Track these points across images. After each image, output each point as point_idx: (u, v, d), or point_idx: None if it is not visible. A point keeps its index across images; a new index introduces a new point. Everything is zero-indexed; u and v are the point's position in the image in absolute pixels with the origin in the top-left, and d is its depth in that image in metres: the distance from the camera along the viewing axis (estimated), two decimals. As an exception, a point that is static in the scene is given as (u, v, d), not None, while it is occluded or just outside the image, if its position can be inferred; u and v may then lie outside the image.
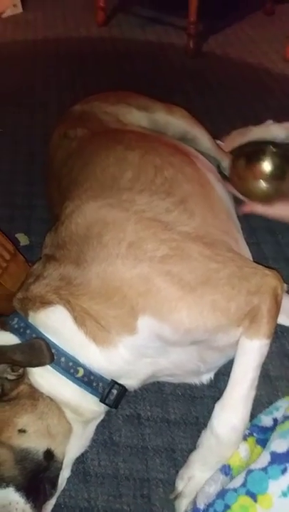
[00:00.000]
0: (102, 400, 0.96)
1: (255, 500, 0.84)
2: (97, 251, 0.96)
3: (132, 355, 0.95)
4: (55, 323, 0.94)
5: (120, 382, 0.98)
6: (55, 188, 1.33)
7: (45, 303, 0.96)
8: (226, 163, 1.66)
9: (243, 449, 0.97)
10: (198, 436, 1.02)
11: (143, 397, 1.16)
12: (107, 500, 1.01)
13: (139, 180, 1.09)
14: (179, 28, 2.77)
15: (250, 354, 0.97)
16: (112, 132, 1.33)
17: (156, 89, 2.25)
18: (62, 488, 0.99)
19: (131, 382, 1.00)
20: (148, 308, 0.91)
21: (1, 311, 1.20)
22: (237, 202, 1.46)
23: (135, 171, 1.11)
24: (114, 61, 2.63)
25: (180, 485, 1.00)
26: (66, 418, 0.94)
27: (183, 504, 0.98)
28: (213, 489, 0.93)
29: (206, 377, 1.12)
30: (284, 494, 0.82)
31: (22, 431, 0.90)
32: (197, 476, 0.98)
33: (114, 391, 0.97)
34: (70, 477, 1.01)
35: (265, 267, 1.03)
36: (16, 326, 0.97)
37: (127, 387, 1.00)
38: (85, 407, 0.96)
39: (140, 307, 0.91)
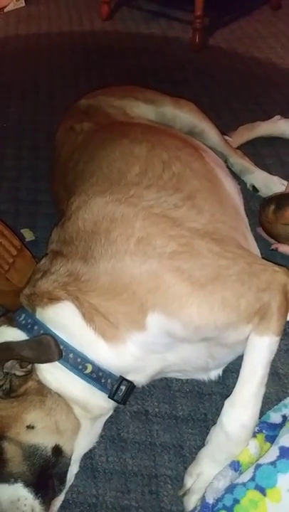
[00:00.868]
0: (111, 396, 0.96)
1: (264, 495, 0.84)
2: (105, 247, 0.95)
3: (140, 351, 0.94)
4: (64, 319, 0.94)
5: (128, 378, 0.97)
6: (61, 183, 1.32)
7: (53, 299, 0.95)
8: (233, 158, 1.65)
9: (253, 446, 0.96)
10: (207, 433, 1.02)
11: (151, 393, 1.16)
12: (115, 496, 1.01)
13: (147, 175, 1.08)
14: (185, 22, 2.74)
15: (260, 351, 0.96)
16: (118, 125, 1.32)
17: (161, 83, 2.24)
18: (70, 484, 0.99)
19: (139, 378, 1.00)
20: (157, 304, 0.91)
21: (8, 307, 1.19)
22: (245, 197, 1.44)
23: (142, 166, 1.10)
24: (119, 55, 2.60)
25: (189, 481, 1.00)
26: (74, 414, 0.94)
27: (192, 501, 0.97)
28: (222, 484, 0.92)
29: (215, 374, 1.12)
30: None
31: (30, 427, 0.90)
32: (206, 473, 0.98)
33: (123, 387, 0.96)
34: (78, 473, 1.01)
35: (275, 264, 1.03)
36: (24, 322, 0.97)
37: (135, 383, 0.99)
38: (94, 404, 0.96)
39: (150, 304, 0.91)
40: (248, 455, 0.96)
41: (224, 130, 1.79)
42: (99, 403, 0.96)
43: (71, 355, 0.92)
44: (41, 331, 0.94)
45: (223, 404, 0.97)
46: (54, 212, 1.47)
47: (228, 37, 2.70)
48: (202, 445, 1.02)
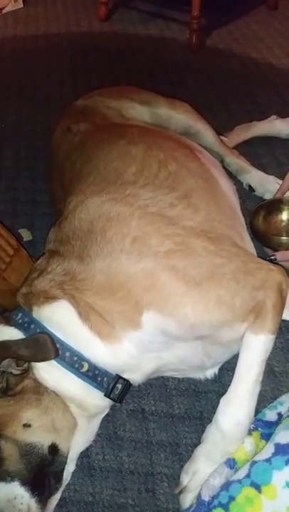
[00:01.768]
0: (107, 395, 0.96)
1: (260, 491, 0.84)
2: (101, 246, 0.96)
3: (136, 350, 0.95)
4: (60, 318, 0.94)
5: (125, 376, 0.98)
6: (58, 184, 1.33)
7: (49, 298, 0.96)
8: (229, 158, 1.66)
9: (249, 443, 0.97)
10: (203, 431, 1.02)
11: (147, 391, 1.16)
12: (111, 494, 1.01)
13: (143, 174, 1.09)
14: (182, 22, 2.75)
15: (255, 349, 0.97)
16: (114, 127, 1.33)
17: (158, 84, 2.25)
18: (67, 482, 0.99)
19: (135, 377, 1.00)
20: (153, 303, 0.91)
21: (5, 306, 1.20)
22: (239, 197, 1.45)
23: (139, 166, 1.11)
24: (116, 56, 2.61)
25: (185, 479, 1.00)
26: (71, 413, 0.95)
27: (188, 498, 0.98)
28: (217, 482, 0.93)
29: (211, 372, 1.12)
30: (288, 485, 0.82)
31: (27, 425, 0.90)
32: (202, 471, 0.98)
33: (119, 385, 0.97)
34: (74, 471, 1.01)
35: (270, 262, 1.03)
36: (20, 321, 0.97)
37: (131, 381, 1.00)
38: (90, 402, 0.96)
39: (145, 302, 0.91)
40: (244, 452, 0.96)
41: (221, 130, 1.80)
42: (95, 401, 0.97)
43: (67, 354, 0.93)
44: (38, 330, 0.95)
45: (219, 402, 0.97)
46: (52, 212, 1.48)
47: (225, 37, 2.71)
48: (198, 443, 1.02)
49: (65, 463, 0.94)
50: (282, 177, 1.65)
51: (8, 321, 0.99)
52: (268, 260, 1.12)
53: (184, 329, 0.92)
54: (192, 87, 2.27)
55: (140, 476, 1.03)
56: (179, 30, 2.77)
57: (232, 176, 1.66)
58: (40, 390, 0.93)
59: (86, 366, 0.93)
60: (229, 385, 0.97)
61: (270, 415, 1.04)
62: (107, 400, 0.98)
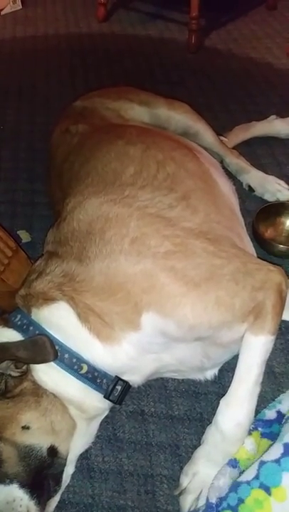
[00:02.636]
0: (106, 397, 0.96)
1: (269, 494, 0.83)
2: (99, 247, 0.96)
3: (136, 351, 0.94)
4: (59, 319, 0.94)
5: (124, 378, 0.98)
6: (57, 185, 1.33)
7: (48, 299, 0.95)
8: (229, 158, 1.66)
9: (249, 443, 0.96)
10: (203, 432, 1.02)
11: (147, 393, 1.16)
12: (111, 496, 1.01)
13: (142, 175, 1.09)
14: (181, 23, 2.75)
15: (255, 350, 0.97)
16: (113, 127, 1.32)
17: (158, 85, 2.25)
18: (66, 484, 0.99)
19: (135, 378, 1.00)
20: (152, 304, 0.91)
21: (4, 307, 1.20)
22: (239, 197, 1.45)
23: (137, 167, 1.11)
24: (115, 57, 2.61)
25: (185, 481, 1.00)
26: (70, 415, 0.94)
27: (188, 500, 0.97)
28: (222, 482, 0.92)
29: (210, 373, 1.12)
30: None
31: (26, 428, 0.90)
32: (202, 472, 0.98)
33: (119, 387, 0.97)
34: (74, 473, 1.01)
35: (270, 263, 1.03)
36: (19, 323, 0.97)
37: (130, 383, 1.00)
38: (89, 404, 0.96)
39: (144, 303, 0.91)
40: (245, 452, 0.96)
41: (220, 131, 1.79)
42: (94, 403, 0.96)
43: (66, 356, 0.93)
44: (37, 332, 0.94)
45: (219, 403, 0.97)
46: (50, 214, 1.47)
47: (224, 38, 2.71)
48: (198, 444, 1.02)
49: (64, 465, 0.93)
50: (281, 177, 1.66)
51: (7, 323, 0.98)
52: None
53: (183, 330, 0.92)
54: (191, 88, 2.27)
55: (140, 477, 1.03)
56: (178, 31, 2.77)
57: (232, 176, 1.66)
58: (39, 392, 0.92)
59: (85, 368, 0.93)
60: (229, 386, 0.97)
61: (270, 414, 1.04)
62: (107, 401, 0.97)
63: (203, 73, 2.39)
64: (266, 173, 1.67)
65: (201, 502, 0.96)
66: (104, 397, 0.96)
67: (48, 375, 0.93)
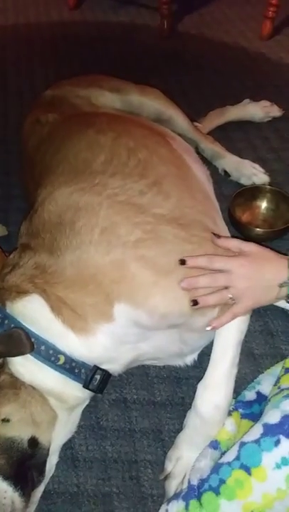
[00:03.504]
0: (86, 386, 0.96)
1: (250, 474, 0.84)
2: (70, 238, 0.95)
3: (111, 342, 0.94)
4: (32, 312, 0.93)
5: (103, 367, 0.98)
6: (30, 176, 1.31)
7: (20, 292, 0.94)
8: (203, 144, 1.65)
9: (229, 423, 0.98)
10: (185, 417, 1.03)
11: (129, 381, 1.16)
12: (96, 484, 1.02)
13: (112, 163, 1.08)
14: (153, 8, 2.71)
15: (229, 332, 0.98)
16: (83, 116, 1.31)
17: (131, 71, 2.22)
18: (51, 474, 0.99)
19: (114, 367, 1.00)
20: (123, 295, 0.90)
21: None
22: (215, 182, 1.45)
23: (108, 155, 1.09)
24: (88, 45, 2.57)
25: (169, 466, 1.01)
26: (50, 405, 0.94)
27: (172, 485, 0.99)
28: (203, 464, 0.93)
29: (190, 359, 1.13)
30: (278, 466, 0.82)
31: (6, 420, 0.90)
32: (185, 456, 0.99)
33: (98, 376, 0.97)
34: (58, 463, 1.01)
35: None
36: (-6, 317, 0.96)
37: (110, 371, 1.00)
38: (69, 394, 0.96)
39: (115, 294, 0.91)
40: (226, 432, 0.97)
41: (195, 116, 1.79)
42: (74, 393, 0.96)
43: (43, 348, 0.92)
44: (12, 325, 0.93)
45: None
46: (27, 207, 1.45)
47: (197, 22, 2.68)
48: (180, 428, 1.03)
49: (46, 455, 0.93)
50: (256, 160, 1.67)
51: (-18, 318, 0.97)
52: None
53: (155, 319, 0.92)
54: (165, 74, 2.25)
55: (124, 464, 1.04)
56: (150, 17, 2.73)
57: (207, 161, 1.65)
58: (17, 384, 0.92)
59: (62, 359, 0.93)
60: (208, 370, 0.98)
61: (249, 395, 1.05)
62: (86, 391, 0.97)
63: (176, 58, 2.37)
64: (241, 157, 1.67)
65: (186, 485, 0.97)
66: (84, 386, 0.96)
67: (26, 367, 0.92)
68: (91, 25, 2.77)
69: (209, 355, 1.10)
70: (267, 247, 1.03)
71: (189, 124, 1.58)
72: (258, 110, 1.86)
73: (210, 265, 0.94)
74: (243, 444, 0.88)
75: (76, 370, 0.94)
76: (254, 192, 1.51)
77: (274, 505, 0.81)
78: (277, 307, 1.26)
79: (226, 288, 0.94)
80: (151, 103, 1.48)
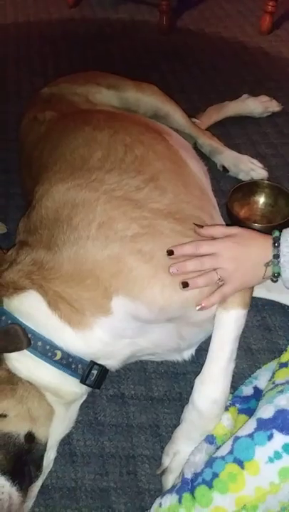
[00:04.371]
0: (83, 381, 0.96)
1: (243, 467, 0.84)
2: (67, 234, 0.95)
3: (109, 336, 0.95)
4: (29, 308, 0.94)
5: (100, 362, 0.98)
6: (28, 174, 1.31)
7: (17, 288, 0.95)
8: (202, 140, 1.65)
9: (226, 418, 0.98)
10: (182, 411, 1.03)
11: (126, 376, 1.17)
12: (93, 479, 1.02)
13: (109, 159, 1.08)
14: (152, 4, 2.71)
15: (228, 326, 0.98)
16: (80, 113, 1.31)
17: (131, 68, 2.22)
18: (49, 469, 1.00)
19: (111, 363, 1.01)
20: (121, 288, 0.91)
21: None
22: (213, 178, 1.45)
23: (104, 151, 1.10)
24: (87, 42, 2.57)
25: (166, 461, 1.01)
26: (47, 401, 0.95)
27: (169, 479, 0.99)
28: (198, 458, 0.94)
29: (188, 354, 1.13)
30: (270, 460, 0.83)
31: (3, 416, 0.90)
32: (182, 451, 0.99)
33: (95, 371, 0.97)
34: (56, 458, 1.02)
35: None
36: (-9, 314, 0.96)
37: (107, 367, 1.00)
38: (66, 389, 0.96)
39: (113, 288, 0.91)
40: (222, 427, 0.97)
41: (194, 112, 1.78)
42: (71, 388, 0.97)
43: (39, 343, 0.93)
44: (9, 321, 0.94)
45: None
46: (26, 205, 1.46)
47: (196, 18, 2.68)
48: (178, 423, 1.03)
49: (43, 450, 0.94)
50: (255, 156, 1.66)
51: (-20, 314, 0.98)
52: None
53: (154, 312, 0.92)
54: (164, 70, 2.25)
55: (121, 459, 1.04)
56: (149, 13, 2.73)
57: (206, 157, 1.65)
58: (14, 380, 0.92)
59: (59, 354, 0.93)
60: (206, 365, 0.98)
61: (247, 390, 1.05)
62: (84, 386, 0.98)
63: (176, 55, 2.37)
64: (240, 152, 1.66)
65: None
66: (81, 381, 0.96)
67: (22, 363, 0.93)
68: (90, 22, 2.77)
69: (207, 351, 1.10)
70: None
71: (187, 119, 1.58)
72: (257, 105, 1.85)
73: (197, 251, 0.94)
74: (236, 439, 0.88)
75: (73, 366, 0.95)
76: (252, 187, 1.51)
77: (267, 499, 0.81)
78: (275, 302, 1.26)
79: (215, 270, 0.94)
80: (147, 99, 1.48)
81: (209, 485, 0.86)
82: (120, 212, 0.96)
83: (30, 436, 0.91)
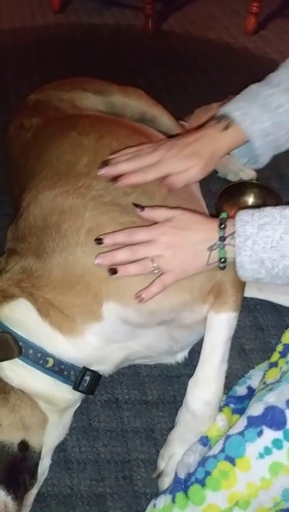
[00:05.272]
0: (75, 388, 0.96)
1: (234, 464, 0.85)
2: (56, 241, 0.95)
3: (100, 341, 0.95)
4: (20, 316, 0.94)
5: (92, 368, 0.98)
6: (15, 181, 1.31)
7: (7, 297, 0.95)
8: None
9: (220, 419, 0.98)
10: (176, 415, 1.03)
11: (120, 381, 1.17)
12: (89, 485, 1.02)
13: (96, 164, 1.08)
14: (137, 8, 2.72)
15: (219, 329, 0.98)
16: (65, 119, 1.31)
17: (117, 72, 2.22)
18: (44, 477, 0.99)
19: (104, 368, 1.01)
20: (111, 293, 0.91)
21: None
22: (205, 179, 1.45)
23: (91, 156, 1.10)
24: (73, 48, 2.57)
25: (161, 464, 1.01)
26: (40, 409, 0.94)
27: (165, 482, 0.99)
28: (192, 459, 0.94)
29: (181, 356, 1.13)
30: (261, 456, 0.83)
31: (-5, 425, 0.90)
32: (177, 454, 0.99)
33: (87, 378, 0.97)
34: (51, 466, 1.01)
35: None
36: (-19, 323, 0.96)
37: (100, 372, 1.00)
38: (59, 396, 0.96)
39: (104, 293, 0.91)
40: (216, 429, 0.98)
41: (182, 115, 1.79)
42: (64, 395, 0.97)
43: (31, 351, 0.92)
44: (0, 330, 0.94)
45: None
46: (14, 212, 1.46)
47: (182, 20, 2.69)
48: (172, 427, 1.03)
49: (37, 458, 0.94)
50: (243, 157, 1.66)
51: None
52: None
53: (145, 316, 0.93)
54: (151, 73, 2.25)
55: (117, 464, 1.04)
56: (135, 17, 2.73)
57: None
58: (5, 388, 0.92)
59: (51, 362, 0.93)
60: (199, 367, 0.98)
61: (241, 390, 1.06)
62: (77, 393, 0.98)
63: (162, 58, 2.38)
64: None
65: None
66: (74, 388, 0.96)
67: (14, 371, 0.93)
68: (76, 27, 2.77)
69: (200, 352, 1.11)
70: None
71: (174, 122, 1.58)
72: (243, 106, 1.85)
73: (130, 239, 0.89)
74: (228, 437, 0.89)
75: (65, 373, 0.94)
76: (241, 188, 1.51)
77: (259, 495, 0.82)
78: (266, 302, 1.27)
79: (151, 258, 0.89)
80: (134, 103, 1.48)
81: (202, 483, 0.87)
82: (108, 218, 0.96)
83: (24, 445, 0.91)
